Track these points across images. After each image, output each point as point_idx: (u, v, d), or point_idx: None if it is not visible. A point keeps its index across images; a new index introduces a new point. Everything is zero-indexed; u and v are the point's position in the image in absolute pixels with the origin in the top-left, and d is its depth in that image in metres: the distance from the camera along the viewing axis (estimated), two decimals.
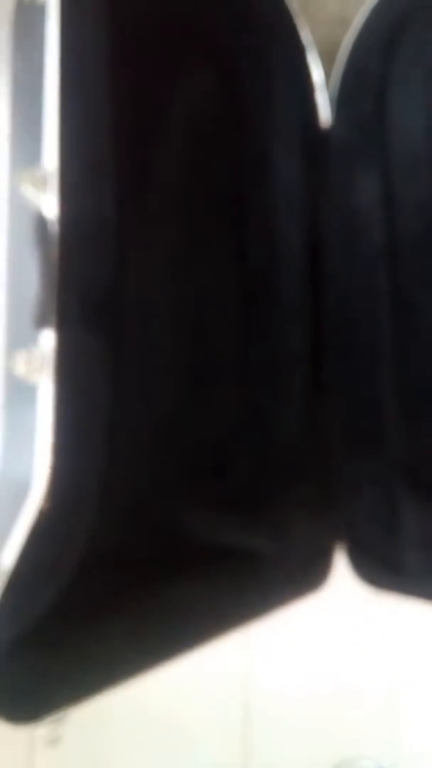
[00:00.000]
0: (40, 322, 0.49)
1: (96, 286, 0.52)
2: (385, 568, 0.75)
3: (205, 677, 0.81)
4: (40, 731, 0.56)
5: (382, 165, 0.75)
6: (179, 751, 0.79)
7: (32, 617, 0.49)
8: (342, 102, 0.76)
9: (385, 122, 0.75)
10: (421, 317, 0.74)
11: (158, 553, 0.62)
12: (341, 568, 0.78)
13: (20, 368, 0.49)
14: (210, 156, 0.70)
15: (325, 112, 0.78)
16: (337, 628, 0.94)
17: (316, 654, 0.93)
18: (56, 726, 0.54)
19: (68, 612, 0.51)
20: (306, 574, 0.76)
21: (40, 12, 0.53)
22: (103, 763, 0.72)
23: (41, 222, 0.49)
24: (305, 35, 0.77)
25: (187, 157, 0.67)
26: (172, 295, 0.66)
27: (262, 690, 0.87)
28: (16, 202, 0.53)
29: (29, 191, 0.50)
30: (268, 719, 0.88)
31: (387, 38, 0.75)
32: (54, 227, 0.49)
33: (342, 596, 0.87)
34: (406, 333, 0.74)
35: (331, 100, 0.78)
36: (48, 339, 0.49)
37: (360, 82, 0.76)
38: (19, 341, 0.51)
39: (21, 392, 0.50)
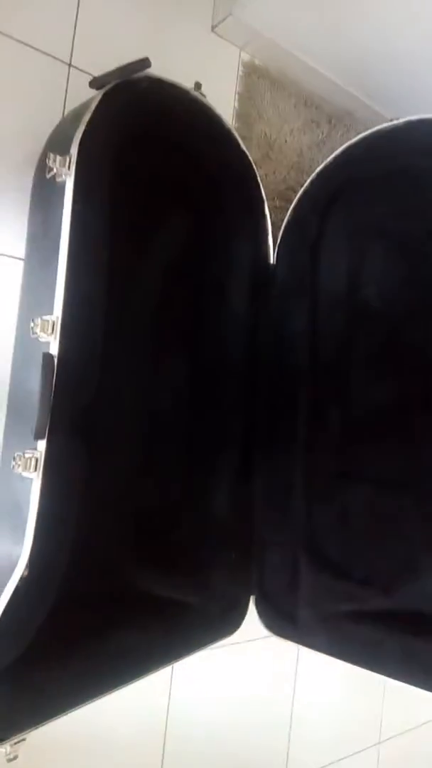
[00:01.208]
0: (38, 435, 0.64)
1: (81, 405, 0.68)
2: (283, 619, 0.94)
3: (133, 704, 0.96)
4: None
5: (310, 303, 0.95)
6: (109, 760, 0.94)
7: (9, 659, 0.64)
8: (284, 249, 0.96)
9: (317, 269, 0.96)
10: (329, 423, 0.94)
11: (106, 606, 0.77)
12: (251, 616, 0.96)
13: (17, 468, 0.64)
14: (177, 287, 0.87)
15: (272, 252, 0.98)
16: (243, 664, 1.12)
17: (225, 687, 1.10)
18: (17, 746, 0.68)
19: (36, 655, 0.66)
20: (223, 622, 0.94)
21: (58, 188, 0.69)
22: None
23: (47, 358, 0.65)
24: (262, 190, 0.97)
25: (159, 290, 0.84)
26: (137, 399, 0.83)
27: (178, 718, 1.03)
28: (25, 340, 0.68)
29: (38, 333, 0.65)
30: (184, 735, 1.04)
31: (324, 203, 0.96)
32: (54, 362, 0.65)
33: (250, 638, 1.05)
34: (316, 436, 0.94)
35: (278, 241, 0.98)
36: (41, 446, 0.64)
37: (300, 235, 0.96)
38: (17, 446, 0.66)
39: (16, 485, 0.65)
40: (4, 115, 0.83)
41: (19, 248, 0.81)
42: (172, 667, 1.01)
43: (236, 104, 1.08)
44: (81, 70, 0.90)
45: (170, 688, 1.03)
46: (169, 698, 1.03)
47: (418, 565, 0.86)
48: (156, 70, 0.76)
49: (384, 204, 0.93)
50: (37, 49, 0.86)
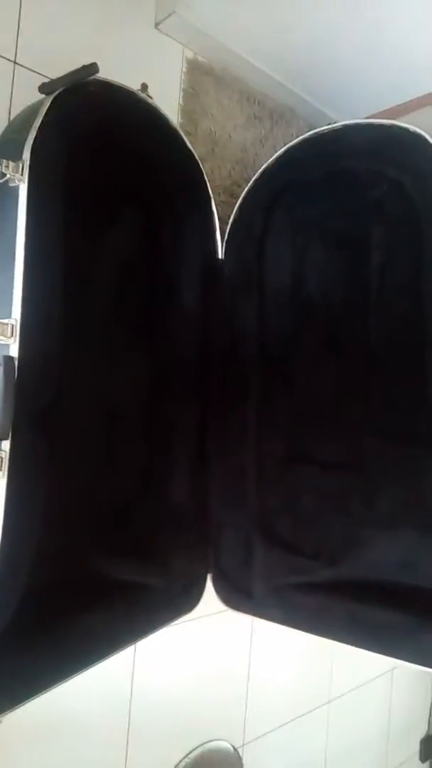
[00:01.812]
0: (1, 436, 0.66)
1: (42, 404, 0.71)
2: (239, 594, 1.00)
3: (97, 685, 1.01)
4: None
5: (257, 296, 1.00)
6: (76, 736, 0.98)
7: None
8: (232, 245, 1.00)
9: (263, 264, 1.01)
10: (277, 410, 1.01)
11: (72, 592, 0.81)
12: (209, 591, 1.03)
13: None
14: (131, 286, 0.90)
15: (221, 247, 1.02)
16: (201, 639, 1.19)
17: (184, 662, 1.17)
18: None
19: (6, 643, 0.69)
20: (183, 600, 1.00)
21: (11, 193, 0.70)
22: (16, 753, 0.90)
23: (7, 360, 0.66)
24: (209, 188, 1.00)
25: (113, 290, 0.87)
26: (96, 395, 0.85)
27: (143, 686, 1.09)
28: None
29: None
30: (148, 708, 1.10)
31: (267, 202, 1.00)
32: (15, 363, 0.67)
33: (207, 614, 1.12)
34: (265, 421, 1.00)
35: (225, 238, 1.02)
36: (5, 446, 0.67)
37: (246, 232, 1.00)
38: None
39: None
40: None
41: None
42: (135, 647, 1.06)
43: (181, 100, 1.10)
44: (27, 68, 0.90)
45: (133, 667, 1.08)
46: (133, 677, 1.08)
47: (360, 539, 0.94)
48: (100, 65, 0.76)
49: (324, 203, 0.98)
50: None
